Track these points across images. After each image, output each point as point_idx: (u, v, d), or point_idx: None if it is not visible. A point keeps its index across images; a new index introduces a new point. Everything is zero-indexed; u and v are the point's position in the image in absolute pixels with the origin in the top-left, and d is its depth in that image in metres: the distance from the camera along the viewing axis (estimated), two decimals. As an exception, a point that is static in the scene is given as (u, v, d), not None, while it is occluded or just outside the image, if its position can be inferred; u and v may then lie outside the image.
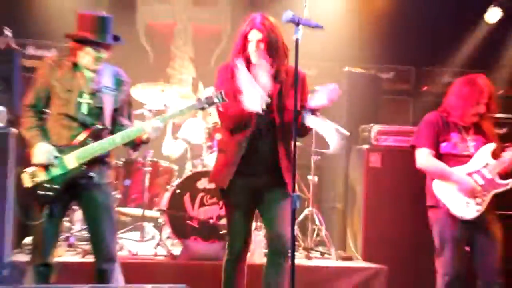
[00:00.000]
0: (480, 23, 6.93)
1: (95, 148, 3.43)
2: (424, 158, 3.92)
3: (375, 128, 5.17)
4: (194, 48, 7.04)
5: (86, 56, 3.47)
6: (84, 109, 3.50)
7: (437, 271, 3.91)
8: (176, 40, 7.03)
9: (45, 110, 3.55)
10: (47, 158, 3.41)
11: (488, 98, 3.86)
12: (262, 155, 3.30)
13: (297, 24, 3.10)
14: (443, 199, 3.85)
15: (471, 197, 3.85)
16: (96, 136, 3.49)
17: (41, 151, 3.40)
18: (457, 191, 3.86)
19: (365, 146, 5.17)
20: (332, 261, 4.98)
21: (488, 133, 3.98)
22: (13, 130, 4.43)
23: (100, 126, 3.51)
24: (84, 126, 3.47)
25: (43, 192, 3.45)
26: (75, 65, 3.50)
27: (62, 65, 3.53)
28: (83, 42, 3.45)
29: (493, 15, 6.74)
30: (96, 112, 3.50)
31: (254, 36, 3.28)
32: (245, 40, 3.32)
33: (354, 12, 6.85)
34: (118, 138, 3.47)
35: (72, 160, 3.42)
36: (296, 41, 3.10)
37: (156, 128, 3.53)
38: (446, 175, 3.88)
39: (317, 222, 5.38)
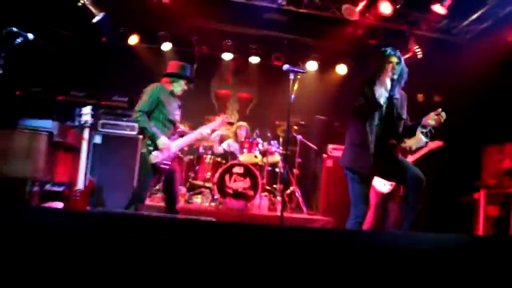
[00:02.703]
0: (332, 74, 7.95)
1: (179, 141, 4.13)
2: None
3: (330, 146, 6.56)
4: (239, 105, 8.52)
5: (178, 86, 4.07)
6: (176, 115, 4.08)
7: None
8: (230, 101, 8.49)
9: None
10: (168, 145, 3.93)
11: None
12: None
13: (291, 71, 4.01)
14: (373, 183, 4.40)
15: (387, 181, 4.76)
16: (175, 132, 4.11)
17: (165, 141, 3.93)
18: (379, 178, 4.30)
19: (324, 155, 6.52)
20: (304, 215, 6.24)
21: None
22: (140, 136, 5.39)
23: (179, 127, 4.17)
24: (174, 125, 4.08)
25: (163, 166, 3.95)
26: (171, 92, 4.06)
27: (165, 90, 4.06)
28: (177, 76, 4.01)
29: (341, 69, 7.79)
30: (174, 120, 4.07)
31: None
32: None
33: (321, 81, 8.01)
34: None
35: (173, 147, 4.09)
36: (293, 80, 4.02)
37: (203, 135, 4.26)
38: None
39: (297, 194, 6.73)
